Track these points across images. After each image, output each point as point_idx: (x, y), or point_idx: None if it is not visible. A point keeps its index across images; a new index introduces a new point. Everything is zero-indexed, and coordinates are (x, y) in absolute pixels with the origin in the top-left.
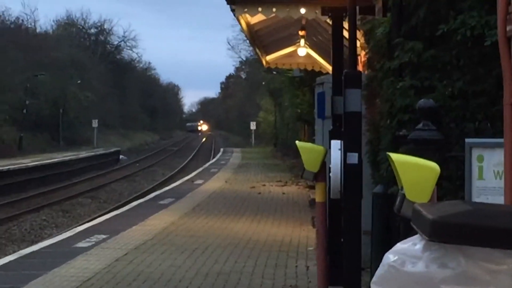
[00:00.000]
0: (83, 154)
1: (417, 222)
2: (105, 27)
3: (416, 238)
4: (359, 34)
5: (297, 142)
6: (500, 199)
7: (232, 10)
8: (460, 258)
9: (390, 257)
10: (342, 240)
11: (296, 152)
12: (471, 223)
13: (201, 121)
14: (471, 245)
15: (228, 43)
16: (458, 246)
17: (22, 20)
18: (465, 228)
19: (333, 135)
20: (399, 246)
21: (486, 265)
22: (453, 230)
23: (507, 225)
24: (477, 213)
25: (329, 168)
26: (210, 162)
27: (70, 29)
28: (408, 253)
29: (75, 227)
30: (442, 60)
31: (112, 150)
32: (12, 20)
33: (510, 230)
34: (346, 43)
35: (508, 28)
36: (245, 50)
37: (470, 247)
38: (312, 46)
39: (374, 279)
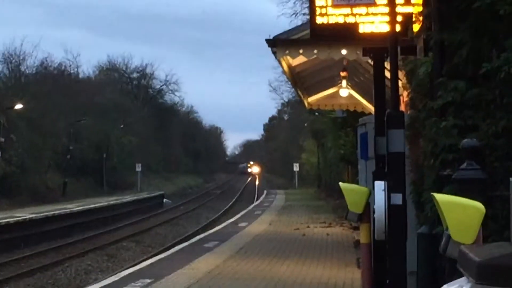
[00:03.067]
0: (127, 198)
1: (464, 265)
2: (147, 71)
3: (462, 280)
4: (401, 74)
5: (340, 183)
6: None
7: (274, 53)
8: None
9: None
10: (387, 281)
11: (339, 193)
12: None
13: (251, 163)
14: None
15: (270, 85)
16: None
17: (65, 66)
18: None
19: (377, 176)
20: None
21: None
22: (500, 272)
23: None
24: None
25: (373, 209)
26: (254, 204)
27: (112, 74)
28: None
29: (120, 271)
30: (485, 98)
31: (156, 193)
32: (55, 66)
33: None
34: (388, 83)
35: None
36: (287, 92)
37: None
38: (354, 87)
39: None
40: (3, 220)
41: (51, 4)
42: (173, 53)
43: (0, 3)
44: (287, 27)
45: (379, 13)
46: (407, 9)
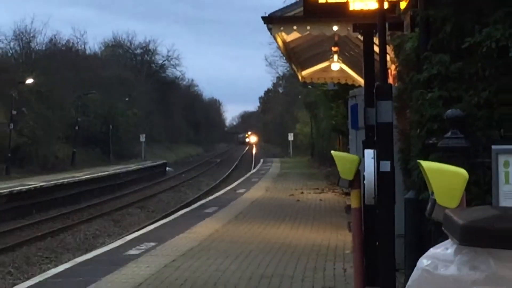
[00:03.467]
0: (132, 167)
1: (448, 227)
2: (150, 47)
3: (447, 242)
4: (389, 49)
5: (332, 152)
6: None
7: (269, 29)
8: (490, 260)
9: (423, 261)
10: (377, 243)
11: (331, 161)
12: (500, 227)
13: (249, 132)
14: (500, 248)
15: (266, 59)
16: (488, 249)
17: (73, 43)
18: (494, 232)
19: (367, 145)
20: (432, 251)
21: None
22: (482, 234)
23: None
24: (505, 217)
25: (363, 175)
26: (251, 172)
27: (117, 50)
28: (440, 257)
29: (126, 235)
30: (468, 71)
31: (159, 162)
32: (64, 43)
33: None
34: (377, 57)
35: None
36: (282, 66)
37: (499, 250)
38: (344, 61)
39: (409, 283)
40: (16, 188)
41: None
42: (174, 30)
43: None
44: (282, 5)
45: None
46: None
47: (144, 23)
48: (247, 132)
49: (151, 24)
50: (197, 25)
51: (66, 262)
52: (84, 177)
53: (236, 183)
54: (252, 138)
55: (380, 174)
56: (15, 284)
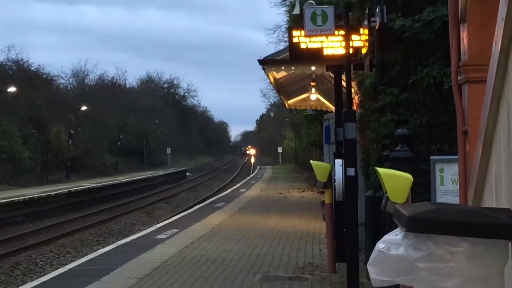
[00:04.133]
0: (160, 172)
1: (398, 218)
2: (174, 82)
3: (397, 230)
4: (353, 84)
5: (311, 161)
6: (456, 199)
7: (263, 69)
8: (429, 243)
9: (380, 245)
10: (344, 230)
11: (310, 168)
12: (436, 218)
13: (249, 146)
14: (436, 233)
15: (261, 91)
16: (428, 234)
17: (116, 79)
18: (431, 222)
19: (337, 156)
20: (386, 237)
21: (447, 248)
22: (423, 223)
23: (461, 219)
24: (440, 210)
25: (334, 179)
26: (250, 176)
27: (149, 85)
28: (392, 241)
29: (156, 224)
30: (413, 101)
31: (181, 169)
32: (109, 80)
33: (463, 222)
34: (344, 90)
35: (459, 78)
36: (273, 96)
37: (436, 235)
38: (320, 93)
39: (369, 261)
40: (73, 188)
41: (105, 35)
42: (192, 69)
43: (67, 36)
44: (273, 51)
45: (337, 41)
46: (357, 38)
47: (169, 64)
48: (247, 146)
49: (175, 65)
50: (210, 66)
51: (111, 244)
52: (124, 180)
53: (238, 184)
54: (252, 151)
55: (347, 178)
56: (73, 261)
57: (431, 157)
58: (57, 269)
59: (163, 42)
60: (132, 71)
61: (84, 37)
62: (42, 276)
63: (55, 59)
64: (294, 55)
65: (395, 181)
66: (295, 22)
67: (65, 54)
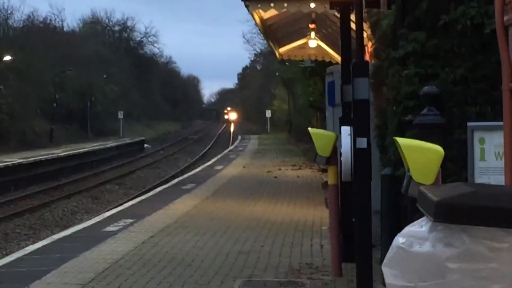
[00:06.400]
0: (110, 144)
1: (423, 204)
2: (128, 24)
3: (422, 220)
4: (365, 26)
5: (309, 128)
6: (501, 179)
7: (246, 6)
8: (464, 237)
9: (399, 239)
10: (353, 219)
11: (309, 138)
12: (473, 204)
13: (228, 109)
14: (474, 224)
15: (244, 37)
16: (462, 226)
17: (50, 20)
18: (467, 209)
19: (343, 122)
20: (407, 229)
21: (488, 243)
22: (456, 211)
23: (508, 205)
24: (478, 194)
25: (340, 152)
26: (229, 149)
27: (95, 27)
28: (415, 235)
29: (104, 212)
30: (444, 48)
31: (137, 139)
32: (41, 20)
33: (510, 210)
34: (353, 34)
35: (505, 18)
36: (260, 43)
37: (473, 227)
38: (322, 38)
39: (385, 261)
40: None
41: None
42: (151, 7)
43: None
44: None
45: None
46: None
47: (121, 0)
48: (226, 108)
49: (129, 1)
50: (175, 3)
51: (44, 238)
52: (62, 153)
53: (213, 160)
54: (232, 115)
55: (356, 151)
56: None
57: (468, 124)
58: None
59: None
60: (71, 8)
61: None
62: None
63: None
64: None
65: (421, 155)
66: None
67: None
